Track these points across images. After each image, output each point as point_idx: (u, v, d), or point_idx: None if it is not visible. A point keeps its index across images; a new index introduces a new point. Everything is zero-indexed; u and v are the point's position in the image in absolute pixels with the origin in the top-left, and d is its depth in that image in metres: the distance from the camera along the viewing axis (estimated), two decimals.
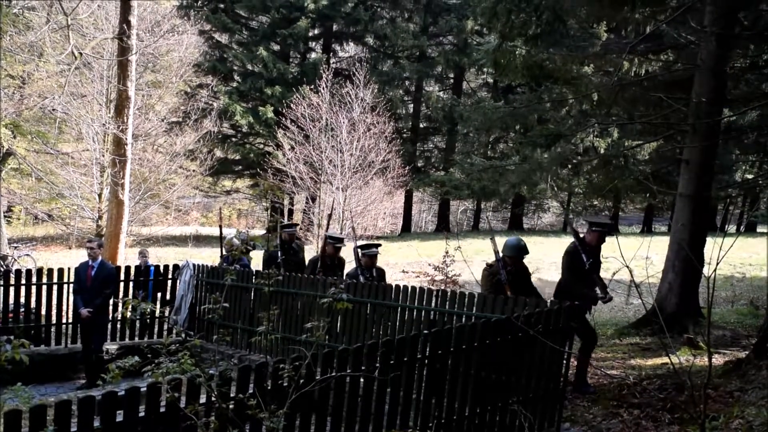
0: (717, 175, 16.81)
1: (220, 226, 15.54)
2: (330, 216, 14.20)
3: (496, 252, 9.34)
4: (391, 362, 6.11)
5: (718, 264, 5.44)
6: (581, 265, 9.13)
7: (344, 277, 11.24)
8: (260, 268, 12.64)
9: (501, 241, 9.61)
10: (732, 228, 44.28)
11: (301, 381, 5.27)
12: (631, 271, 7.76)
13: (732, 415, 6.79)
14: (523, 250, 9.35)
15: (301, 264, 12.94)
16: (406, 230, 43.16)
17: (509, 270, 9.24)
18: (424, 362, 6.45)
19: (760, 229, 42.95)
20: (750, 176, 25.20)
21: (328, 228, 14.26)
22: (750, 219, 41.40)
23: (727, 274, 21.72)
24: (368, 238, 25.36)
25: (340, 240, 12.27)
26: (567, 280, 9.29)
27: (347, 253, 12.60)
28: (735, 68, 13.22)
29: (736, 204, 44.80)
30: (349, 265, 11.94)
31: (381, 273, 11.44)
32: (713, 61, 11.82)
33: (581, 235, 9.47)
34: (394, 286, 10.08)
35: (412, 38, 39.34)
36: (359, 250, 11.23)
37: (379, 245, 11.72)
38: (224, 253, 13.73)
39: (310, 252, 19.34)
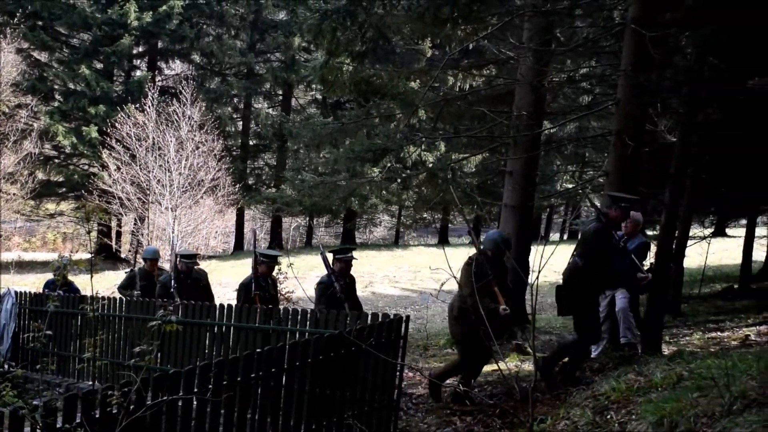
0: (539, 185, 17.49)
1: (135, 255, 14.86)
2: (255, 232, 13.36)
3: (477, 245, 8.56)
4: (224, 383, 6.02)
5: (540, 271, 5.63)
6: (615, 242, 8.31)
7: (316, 286, 9.96)
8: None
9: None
10: (555, 236, 46.07)
11: (132, 407, 5.13)
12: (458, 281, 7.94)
13: (559, 416, 7.01)
14: (505, 244, 8.59)
15: (204, 291, 11.81)
16: (239, 248, 42.63)
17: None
18: (257, 381, 6.38)
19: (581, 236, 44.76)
20: (570, 185, 26.29)
21: (255, 245, 13.29)
22: (571, 227, 43.13)
23: (552, 281, 22.47)
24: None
25: (274, 257, 11.28)
26: (594, 265, 8.22)
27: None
28: (553, 82, 13.68)
29: (559, 212, 46.70)
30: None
31: (353, 280, 10.34)
32: (532, 76, 12.24)
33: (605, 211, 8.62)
34: (227, 306, 9.94)
35: (239, 55, 39.07)
36: (333, 255, 10.06)
37: (354, 248, 10.83)
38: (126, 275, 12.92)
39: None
